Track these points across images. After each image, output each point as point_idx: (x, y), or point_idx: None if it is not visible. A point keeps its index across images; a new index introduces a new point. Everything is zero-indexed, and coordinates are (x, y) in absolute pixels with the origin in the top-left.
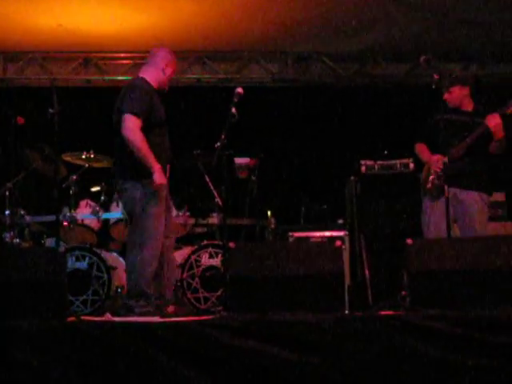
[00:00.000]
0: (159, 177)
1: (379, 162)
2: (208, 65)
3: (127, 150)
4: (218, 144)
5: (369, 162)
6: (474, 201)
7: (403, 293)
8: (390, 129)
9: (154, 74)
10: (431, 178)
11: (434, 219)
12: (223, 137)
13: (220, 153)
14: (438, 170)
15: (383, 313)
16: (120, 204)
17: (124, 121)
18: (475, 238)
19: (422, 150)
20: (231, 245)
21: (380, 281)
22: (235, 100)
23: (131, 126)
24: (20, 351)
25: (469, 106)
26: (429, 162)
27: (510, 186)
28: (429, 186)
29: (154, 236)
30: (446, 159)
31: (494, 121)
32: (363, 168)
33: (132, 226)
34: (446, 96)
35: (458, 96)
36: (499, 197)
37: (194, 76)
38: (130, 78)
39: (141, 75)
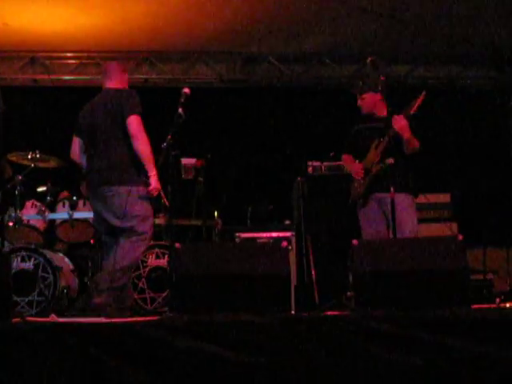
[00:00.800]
0: (156, 181)
1: (326, 163)
2: (155, 65)
3: (116, 154)
4: (165, 144)
5: (315, 163)
6: (398, 202)
7: (349, 293)
8: (336, 130)
9: (123, 84)
10: (356, 185)
11: (365, 226)
12: (170, 137)
13: (166, 153)
14: (359, 178)
15: (329, 313)
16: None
17: (133, 122)
18: (416, 239)
19: (346, 160)
20: (177, 245)
21: (326, 281)
22: (182, 100)
23: (140, 127)
24: None
25: (383, 111)
26: (351, 172)
27: (455, 188)
28: (354, 194)
29: (147, 239)
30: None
31: (398, 123)
32: (310, 169)
33: (120, 231)
34: (359, 103)
35: (371, 102)
36: (444, 198)
37: (142, 76)
38: (76, 77)
39: (114, 86)
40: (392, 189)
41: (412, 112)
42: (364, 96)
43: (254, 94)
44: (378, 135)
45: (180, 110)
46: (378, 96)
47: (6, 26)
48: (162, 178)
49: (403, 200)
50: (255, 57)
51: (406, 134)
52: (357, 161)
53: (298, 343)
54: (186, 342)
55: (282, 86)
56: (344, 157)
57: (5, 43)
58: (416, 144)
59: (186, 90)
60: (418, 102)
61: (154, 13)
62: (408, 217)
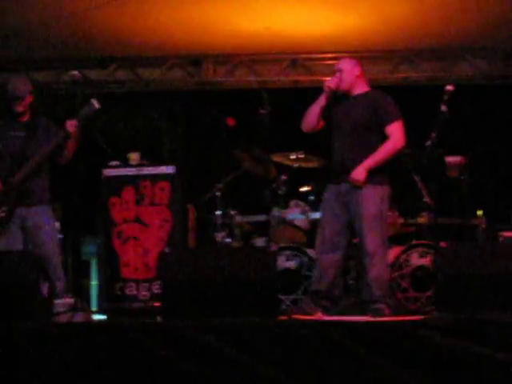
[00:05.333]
0: None
1: None
2: (415, 63)
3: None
4: (429, 142)
5: None
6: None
7: None
8: None
9: None
10: None
11: None
12: (434, 135)
13: (431, 151)
14: None
15: None
16: None
17: (398, 129)
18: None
19: None
20: (443, 244)
21: None
22: (446, 98)
23: (403, 135)
24: (232, 346)
25: None
26: None
27: None
28: None
29: None
30: None
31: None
32: None
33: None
34: None
35: None
36: None
37: (402, 75)
38: None
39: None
40: None
41: None
42: None
43: None
44: None
45: (444, 107)
46: None
47: (268, 30)
48: (426, 176)
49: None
50: None
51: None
52: None
53: None
54: (454, 341)
55: None
56: None
57: (267, 46)
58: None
59: (450, 88)
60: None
61: (413, 11)
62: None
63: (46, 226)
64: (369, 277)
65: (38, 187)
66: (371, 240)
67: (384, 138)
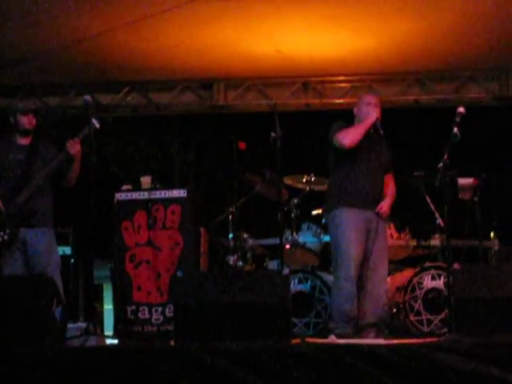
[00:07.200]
0: None
1: None
2: (426, 85)
3: None
4: (441, 164)
5: None
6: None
7: None
8: None
9: None
10: None
11: None
12: (446, 157)
13: (443, 173)
14: None
15: None
16: None
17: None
18: None
19: None
20: (456, 266)
21: None
22: (457, 120)
23: None
24: (246, 370)
25: None
26: None
27: None
28: None
29: None
30: None
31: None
32: None
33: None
34: None
35: None
36: None
37: (413, 97)
38: (348, 101)
39: None
40: None
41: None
42: None
43: None
44: None
45: (455, 129)
46: None
47: (279, 53)
48: (438, 198)
49: None
50: None
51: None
52: None
53: None
54: (468, 364)
55: None
56: None
57: (278, 69)
58: None
59: (461, 110)
60: None
61: (424, 31)
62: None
63: (46, 249)
64: (381, 299)
65: (40, 209)
66: (386, 267)
67: None
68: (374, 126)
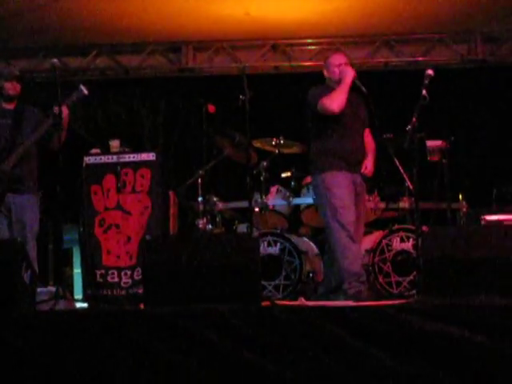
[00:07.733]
0: None
1: None
2: (395, 48)
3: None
4: (409, 127)
5: None
6: None
7: None
8: None
9: None
10: None
11: None
12: (414, 119)
13: (411, 135)
14: None
15: None
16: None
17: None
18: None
19: None
20: (424, 228)
21: None
22: (426, 82)
23: None
24: (216, 333)
25: None
26: None
27: None
28: None
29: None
30: None
31: None
32: None
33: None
34: None
35: None
36: None
37: (382, 60)
38: (317, 63)
39: None
40: None
41: None
42: None
43: (496, 74)
44: None
45: (424, 91)
46: None
47: (248, 16)
48: (407, 160)
49: None
50: (497, 36)
51: None
52: None
53: None
54: (436, 325)
55: None
56: None
57: (247, 32)
58: None
59: (430, 72)
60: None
61: None
62: None
63: (29, 216)
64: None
65: (27, 174)
66: (363, 228)
67: None
68: (354, 84)
